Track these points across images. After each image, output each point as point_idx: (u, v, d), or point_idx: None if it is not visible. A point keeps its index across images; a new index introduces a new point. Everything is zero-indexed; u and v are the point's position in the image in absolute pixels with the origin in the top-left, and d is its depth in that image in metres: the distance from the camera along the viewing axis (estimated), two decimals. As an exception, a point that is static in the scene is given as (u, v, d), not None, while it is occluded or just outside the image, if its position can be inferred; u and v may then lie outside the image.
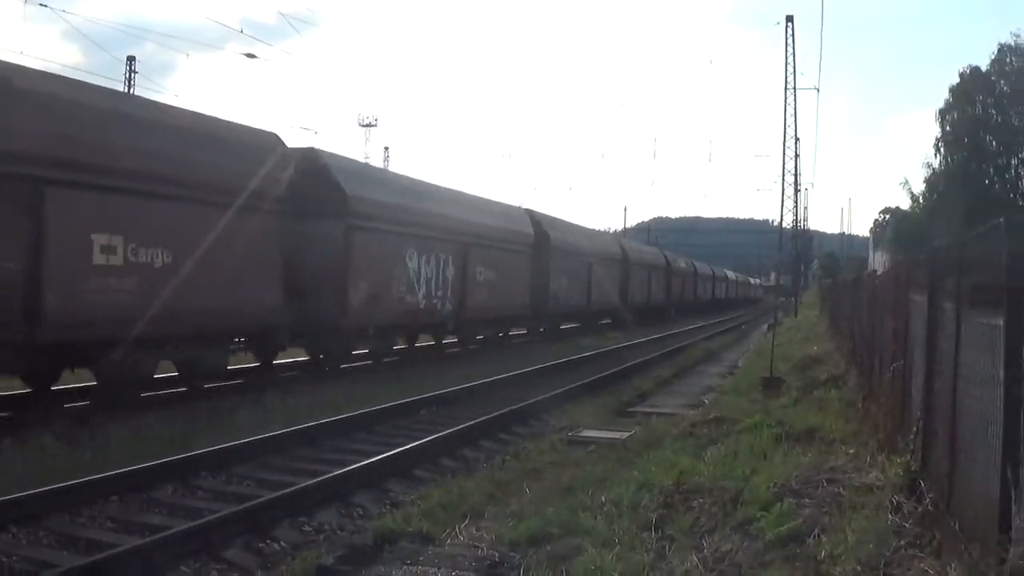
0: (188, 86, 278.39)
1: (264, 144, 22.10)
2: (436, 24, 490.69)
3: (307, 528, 10.94)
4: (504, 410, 18.81)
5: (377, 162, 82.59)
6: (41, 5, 36.30)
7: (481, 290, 34.01)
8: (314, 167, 23.82)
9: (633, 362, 30.68)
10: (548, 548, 8.56)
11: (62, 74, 18.80)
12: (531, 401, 20.01)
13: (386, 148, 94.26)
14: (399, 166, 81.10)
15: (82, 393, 18.95)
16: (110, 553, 8.94)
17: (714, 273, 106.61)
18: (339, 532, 10.89)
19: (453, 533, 9.54)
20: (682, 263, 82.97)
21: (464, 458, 15.31)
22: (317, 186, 23.37)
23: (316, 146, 25.40)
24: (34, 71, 17.05)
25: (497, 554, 8.62)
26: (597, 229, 78.93)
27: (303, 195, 22.46)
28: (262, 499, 11.28)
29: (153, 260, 17.66)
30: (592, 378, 25.06)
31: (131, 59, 70.83)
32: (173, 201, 18.08)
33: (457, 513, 10.52)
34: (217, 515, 10.46)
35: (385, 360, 28.58)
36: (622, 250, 59.18)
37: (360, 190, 25.46)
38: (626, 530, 8.78)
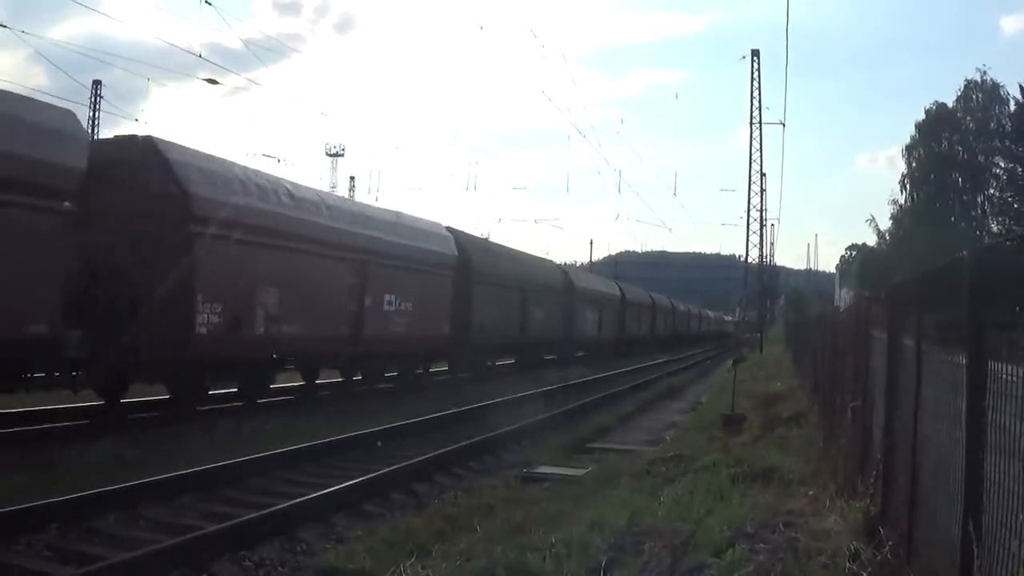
0: (156, 112, 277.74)
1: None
2: (403, 56, 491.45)
3: (248, 563, 10.53)
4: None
5: (343, 191, 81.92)
6: (1, 26, 35.54)
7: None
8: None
9: (597, 396, 30.68)
10: (494, 590, 8.24)
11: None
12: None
13: (352, 178, 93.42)
14: (364, 196, 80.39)
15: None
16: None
17: (688, 309, 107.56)
18: (280, 568, 10.48)
19: (397, 572, 9.17)
20: (650, 298, 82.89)
21: (415, 493, 14.95)
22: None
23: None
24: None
25: (441, 595, 8.29)
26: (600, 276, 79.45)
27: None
28: (203, 531, 10.96)
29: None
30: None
31: (97, 83, 69.69)
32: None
33: (403, 550, 10.17)
34: (155, 547, 10.10)
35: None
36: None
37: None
38: (574, 572, 8.46)
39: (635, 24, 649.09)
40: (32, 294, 16.43)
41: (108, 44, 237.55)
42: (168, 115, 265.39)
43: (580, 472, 16.18)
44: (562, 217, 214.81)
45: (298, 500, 12.75)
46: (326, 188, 50.23)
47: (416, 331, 30.37)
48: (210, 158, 21.94)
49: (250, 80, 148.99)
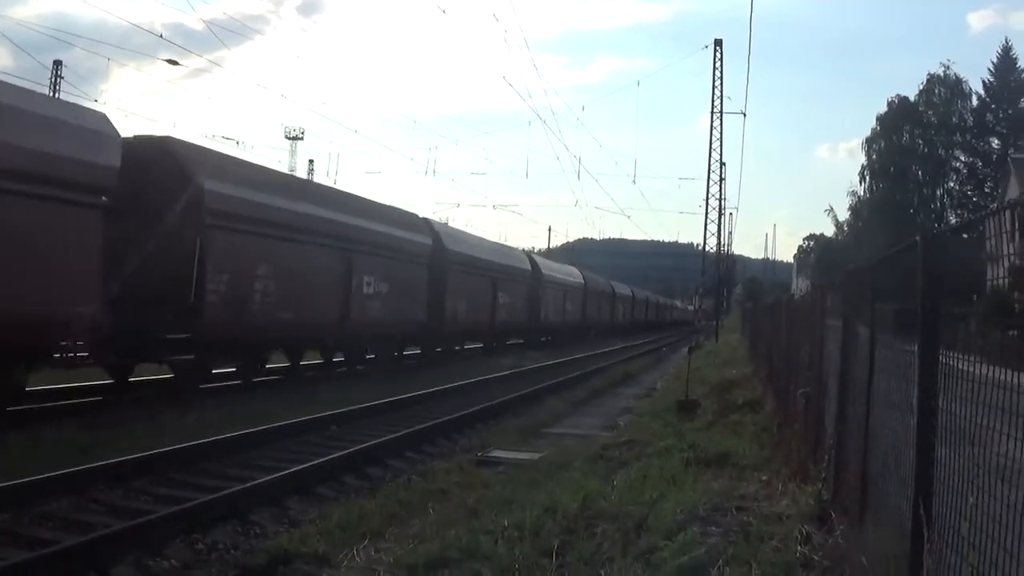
0: (116, 93, 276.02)
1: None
2: (365, 39, 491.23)
3: (200, 546, 10.51)
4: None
5: (302, 175, 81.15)
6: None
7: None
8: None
9: (552, 382, 30.63)
10: (446, 573, 8.24)
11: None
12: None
13: (311, 161, 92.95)
14: (323, 179, 79.34)
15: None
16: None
17: (634, 295, 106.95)
18: (233, 551, 10.46)
19: (351, 555, 9.14)
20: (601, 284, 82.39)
21: (369, 476, 14.95)
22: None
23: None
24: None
25: (393, 578, 8.25)
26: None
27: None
28: (156, 515, 10.89)
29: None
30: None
31: (57, 64, 69.39)
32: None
33: (357, 533, 10.16)
34: (108, 530, 10.10)
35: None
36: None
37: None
38: (526, 555, 8.45)
39: (602, 11, 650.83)
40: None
41: (70, 24, 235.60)
42: (129, 95, 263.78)
43: (535, 456, 16.18)
44: (521, 203, 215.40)
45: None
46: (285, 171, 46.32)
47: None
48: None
49: (211, 62, 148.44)
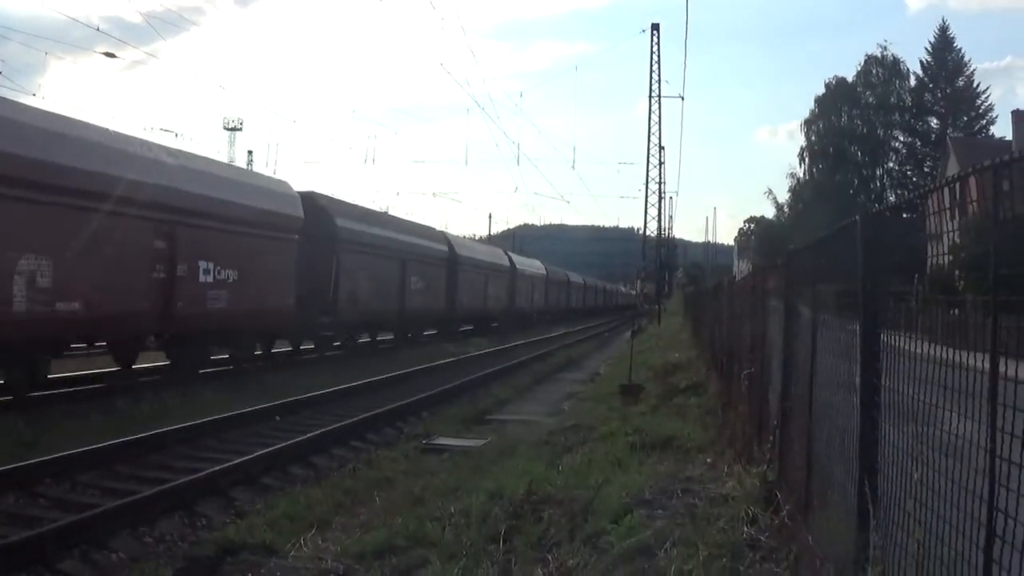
0: (54, 87, 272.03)
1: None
2: (302, 28, 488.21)
3: (148, 539, 10.46)
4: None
5: (241, 165, 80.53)
6: None
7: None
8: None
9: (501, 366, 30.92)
10: (393, 560, 8.21)
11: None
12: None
13: (250, 152, 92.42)
14: (262, 169, 78.66)
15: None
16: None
17: (584, 282, 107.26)
18: (180, 543, 10.40)
19: (298, 544, 9.10)
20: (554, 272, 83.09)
21: (314, 465, 14.87)
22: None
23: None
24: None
25: (341, 567, 8.22)
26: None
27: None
28: (102, 508, 10.78)
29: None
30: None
31: (-6, 58, 68.73)
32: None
33: (304, 523, 10.12)
34: (54, 525, 9.96)
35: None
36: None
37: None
38: (473, 542, 8.45)
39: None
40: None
41: (7, 18, 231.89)
42: (66, 89, 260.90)
43: (480, 443, 16.15)
44: (461, 190, 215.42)
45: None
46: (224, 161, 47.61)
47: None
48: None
49: (148, 54, 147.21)
